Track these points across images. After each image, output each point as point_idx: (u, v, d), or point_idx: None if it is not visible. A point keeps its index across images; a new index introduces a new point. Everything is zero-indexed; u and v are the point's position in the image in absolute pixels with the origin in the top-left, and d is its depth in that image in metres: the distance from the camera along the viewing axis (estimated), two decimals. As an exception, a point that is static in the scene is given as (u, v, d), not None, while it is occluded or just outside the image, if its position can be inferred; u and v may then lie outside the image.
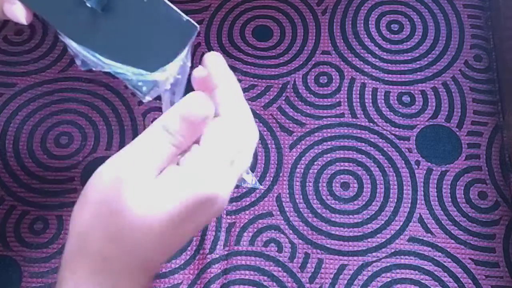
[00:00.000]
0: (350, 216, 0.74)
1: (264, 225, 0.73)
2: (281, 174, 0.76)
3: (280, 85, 0.81)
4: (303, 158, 0.77)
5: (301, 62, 0.82)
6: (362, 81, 0.81)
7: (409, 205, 0.74)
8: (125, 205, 0.33)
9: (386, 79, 0.81)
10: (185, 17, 0.40)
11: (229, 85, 0.39)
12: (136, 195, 0.33)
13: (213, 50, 0.83)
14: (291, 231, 0.73)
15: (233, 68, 0.82)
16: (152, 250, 0.34)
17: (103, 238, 0.34)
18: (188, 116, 0.34)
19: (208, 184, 0.34)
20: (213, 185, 0.34)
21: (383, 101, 0.80)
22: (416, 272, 0.71)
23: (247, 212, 0.74)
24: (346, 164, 0.77)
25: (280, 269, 0.71)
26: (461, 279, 0.71)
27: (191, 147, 0.36)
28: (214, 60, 0.41)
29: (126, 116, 0.79)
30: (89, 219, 0.34)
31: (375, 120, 0.79)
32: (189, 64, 0.40)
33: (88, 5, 0.39)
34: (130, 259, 0.34)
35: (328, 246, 0.72)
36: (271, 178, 0.76)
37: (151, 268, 0.36)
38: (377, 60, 0.83)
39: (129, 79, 0.39)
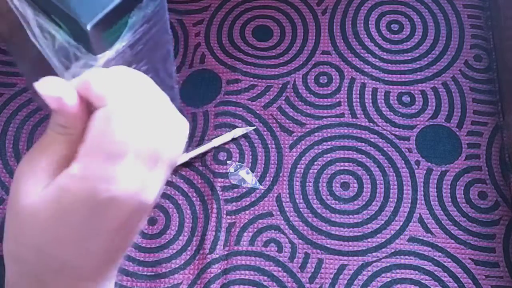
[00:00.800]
0: (350, 216, 0.74)
1: (264, 225, 0.73)
2: (281, 174, 0.76)
3: (280, 85, 0.81)
4: (303, 158, 0.77)
5: (301, 62, 0.82)
6: (362, 81, 0.81)
7: (409, 205, 0.74)
8: (18, 201, 0.31)
9: (386, 79, 0.81)
10: None
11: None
12: (26, 191, 0.31)
13: (213, 50, 0.83)
14: (291, 231, 0.73)
15: (233, 68, 0.82)
16: (53, 244, 0.31)
17: (12, 240, 0.33)
18: (56, 106, 0.31)
19: (88, 185, 0.30)
20: (94, 185, 0.30)
21: (383, 101, 0.80)
22: (416, 272, 0.71)
23: (247, 212, 0.74)
24: (346, 164, 0.77)
25: (280, 269, 0.71)
26: (461, 279, 0.71)
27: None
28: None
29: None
30: (5, 225, 0.33)
31: (375, 120, 0.79)
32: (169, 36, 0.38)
33: None
34: (37, 257, 0.32)
35: (328, 246, 0.72)
36: (271, 178, 0.76)
37: (77, 275, 0.33)
38: (377, 60, 0.83)
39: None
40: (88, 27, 0.36)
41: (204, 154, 0.77)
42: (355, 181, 0.76)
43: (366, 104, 0.80)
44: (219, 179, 0.76)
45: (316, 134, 0.78)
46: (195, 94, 0.80)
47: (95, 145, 0.29)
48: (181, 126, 0.34)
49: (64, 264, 0.32)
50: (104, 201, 0.29)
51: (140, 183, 0.30)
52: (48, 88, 0.30)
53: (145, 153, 0.31)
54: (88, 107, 0.32)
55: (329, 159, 0.77)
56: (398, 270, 0.71)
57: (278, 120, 0.79)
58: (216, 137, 0.77)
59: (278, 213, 0.74)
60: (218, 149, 0.77)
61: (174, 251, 0.72)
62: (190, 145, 0.77)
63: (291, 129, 0.79)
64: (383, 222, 0.74)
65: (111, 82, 0.31)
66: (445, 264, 0.72)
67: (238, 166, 0.75)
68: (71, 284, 0.33)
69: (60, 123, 0.32)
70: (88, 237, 0.31)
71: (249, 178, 0.73)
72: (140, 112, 0.30)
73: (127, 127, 0.29)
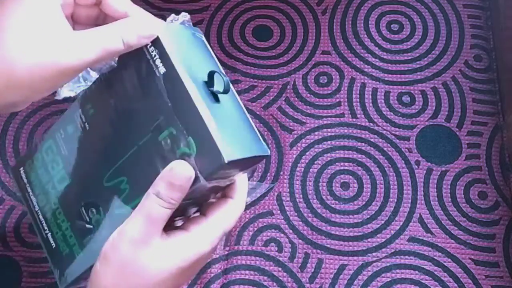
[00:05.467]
0: (350, 216, 0.74)
1: (265, 224, 0.73)
2: (281, 173, 0.76)
3: (280, 86, 0.81)
4: (303, 157, 0.77)
5: (301, 62, 0.82)
6: (362, 81, 0.81)
7: (409, 205, 0.74)
8: (142, 266, 0.41)
9: (386, 79, 0.81)
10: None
11: (242, 179, 0.46)
12: (149, 256, 0.41)
13: (213, 50, 0.83)
14: (291, 231, 0.73)
15: (233, 69, 0.82)
16: None
17: None
18: (174, 182, 0.40)
19: (208, 249, 0.44)
20: (210, 249, 0.44)
21: (383, 101, 0.80)
22: (416, 272, 0.71)
23: (247, 211, 0.74)
24: (346, 164, 0.77)
25: (280, 269, 0.71)
26: (461, 279, 0.71)
27: (195, 215, 0.45)
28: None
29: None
30: (114, 279, 0.42)
31: (375, 120, 0.79)
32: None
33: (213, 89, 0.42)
34: None
35: (328, 246, 0.72)
36: (272, 177, 0.76)
37: None
38: (377, 60, 0.83)
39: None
40: (226, 161, 0.39)
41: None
42: (355, 181, 0.76)
43: (366, 104, 0.80)
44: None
45: (316, 133, 0.78)
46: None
47: (219, 224, 0.44)
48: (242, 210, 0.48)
49: None
50: (207, 257, 0.46)
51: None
52: (186, 168, 0.41)
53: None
54: None
55: (329, 158, 0.77)
56: (398, 270, 0.71)
57: (278, 120, 0.79)
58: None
59: (279, 212, 0.74)
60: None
61: (174, 251, 0.72)
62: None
63: (291, 127, 0.79)
64: (383, 222, 0.74)
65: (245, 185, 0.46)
66: (445, 264, 0.72)
67: None
68: None
69: (175, 198, 0.41)
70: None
71: (263, 187, 0.74)
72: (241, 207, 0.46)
73: (236, 217, 0.46)
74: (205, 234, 0.44)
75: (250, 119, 0.44)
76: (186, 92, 0.39)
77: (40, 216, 0.45)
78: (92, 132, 0.41)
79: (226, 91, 0.41)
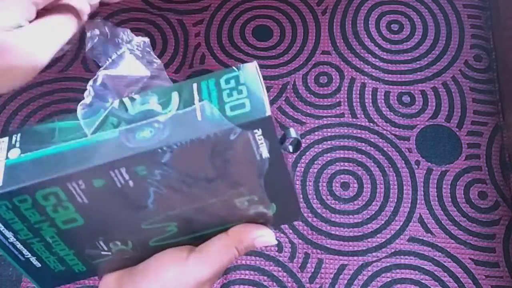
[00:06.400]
0: (350, 216, 0.74)
1: (264, 225, 0.73)
2: (281, 174, 0.76)
3: (280, 86, 0.81)
4: (303, 157, 0.77)
5: (301, 62, 0.82)
6: (362, 81, 0.81)
7: (409, 205, 0.74)
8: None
9: (386, 79, 0.81)
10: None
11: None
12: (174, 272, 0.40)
13: (213, 50, 0.83)
14: (291, 231, 0.73)
15: (233, 68, 0.82)
16: None
17: None
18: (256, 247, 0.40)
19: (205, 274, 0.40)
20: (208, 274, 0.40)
21: (383, 101, 0.80)
22: (416, 272, 0.71)
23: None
24: (346, 164, 0.77)
25: (280, 269, 0.71)
26: (461, 279, 0.71)
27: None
28: None
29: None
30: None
31: (375, 120, 0.79)
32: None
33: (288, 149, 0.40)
34: None
35: (328, 246, 0.72)
36: (271, 178, 0.76)
37: None
38: (377, 60, 0.83)
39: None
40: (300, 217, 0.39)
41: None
42: (355, 181, 0.76)
43: (366, 104, 0.80)
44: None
45: (316, 133, 0.78)
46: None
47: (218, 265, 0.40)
48: None
49: None
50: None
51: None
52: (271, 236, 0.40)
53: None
54: None
55: (329, 158, 0.77)
56: (398, 270, 0.71)
57: (278, 120, 0.79)
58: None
59: (278, 213, 0.74)
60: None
61: (174, 251, 0.72)
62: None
63: (291, 127, 0.78)
64: (383, 222, 0.74)
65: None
66: (445, 264, 0.72)
67: None
68: None
69: (242, 250, 0.40)
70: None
71: None
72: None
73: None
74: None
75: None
76: (287, 179, 0.38)
77: (18, 245, 0.41)
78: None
79: (297, 149, 0.38)
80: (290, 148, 0.37)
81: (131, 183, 0.37)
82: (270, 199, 0.38)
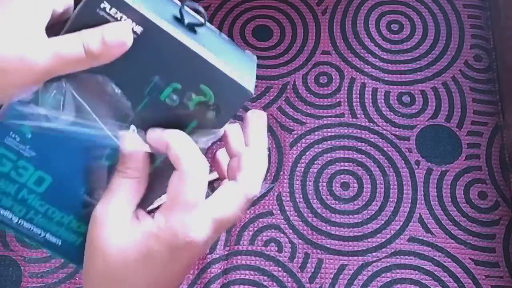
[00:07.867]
0: (350, 216, 0.74)
1: (265, 224, 0.73)
2: (281, 173, 0.76)
3: (280, 86, 0.81)
4: (303, 157, 0.77)
5: (301, 62, 0.82)
6: (362, 81, 0.81)
7: (409, 205, 0.74)
8: (104, 240, 0.37)
9: (386, 79, 0.81)
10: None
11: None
12: (109, 232, 0.37)
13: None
14: (291, 231, 0.73)
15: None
16: (140, 280, 0.38)
17: (97, 271, 0.38)
18: (128, 151, 0.37)
19: (180, 235, 0.36)
20: (185, 235, 0.36)
21: (383, 101, 0.80)
22: (416, 272, 0.71)
23: (247, 210, 0.74)
24: (346, 164, 0.77)
25: (280, 269, 0.71)
26: (461, 279, 0.71)
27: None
28: (257, 119, 0.40)
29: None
30: (85, 260, 0.39)
31: (375, 120, 0.79)
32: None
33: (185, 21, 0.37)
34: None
35: (328, 246, 0.72)
36: (272, 177, 0.76)
37: None
38: (377, 60, 0.83)
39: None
40: (252, 92, 0.36)
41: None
42: (355, 181, 0.76)
43: (366, 104, 0.80)
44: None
45: (316, 133, 0.78)
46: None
47: (174, 201, 0.36)
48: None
49: None
50: (182, 245, 0.36)
51: (207, 233, 0.37)
52: (130, 140, 0.37)
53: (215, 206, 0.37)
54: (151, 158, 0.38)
55: (329, 158, 0.77)
56: (398, 270, 0.71)
57: (278, 120, 0.79)
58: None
59: (279, 212, 0.74)
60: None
61: (174, 251, 0.72)
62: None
63: (291, 127, 0.79)
64: (383, 222, 0.74)
65: (185, 148, 0.37)
66: (445, 264, 0.72)
67: None
68: None
69: (130, 167, 0.37)
70: (165, 276, 0.38)
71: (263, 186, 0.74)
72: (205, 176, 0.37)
73: (196, 190, 0.36)
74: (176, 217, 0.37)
75: (228, 38, 0.41)
76: (177, 42, 0.35)
77: (25, 224, 0.41)
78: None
79: (203, 21, 0.36)
80: (193, 20, 0.35)
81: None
82: (193, 79, 0.36)
